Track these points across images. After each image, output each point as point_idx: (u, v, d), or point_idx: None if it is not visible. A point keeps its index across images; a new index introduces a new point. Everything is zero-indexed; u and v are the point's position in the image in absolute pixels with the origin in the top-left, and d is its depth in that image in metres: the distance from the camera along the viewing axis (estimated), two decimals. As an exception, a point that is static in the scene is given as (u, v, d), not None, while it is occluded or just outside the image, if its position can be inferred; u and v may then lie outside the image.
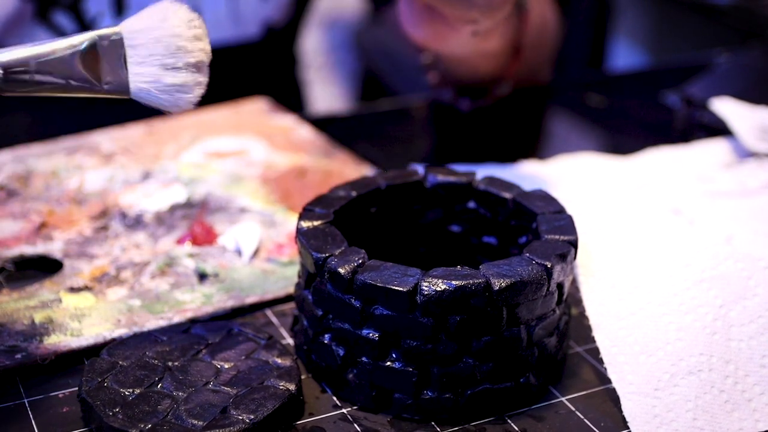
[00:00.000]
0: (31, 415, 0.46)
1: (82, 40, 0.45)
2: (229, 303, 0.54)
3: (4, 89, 0.45)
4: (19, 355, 0.49)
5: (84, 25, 0.84)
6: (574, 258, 0.48)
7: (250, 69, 0.95)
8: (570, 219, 0.50)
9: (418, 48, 0.76)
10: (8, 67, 0.44)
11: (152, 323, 0.52)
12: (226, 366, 0.47)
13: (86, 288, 0.55)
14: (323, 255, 0.46)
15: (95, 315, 0.53)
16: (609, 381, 0.48)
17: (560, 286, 0.47)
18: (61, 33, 0.83)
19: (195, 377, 0.46)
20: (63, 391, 0.48)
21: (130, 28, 0.46)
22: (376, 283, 0.44)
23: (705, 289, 0.51)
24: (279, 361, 0.48)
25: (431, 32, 0.65)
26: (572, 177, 0.69)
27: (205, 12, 0.86)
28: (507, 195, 0.53)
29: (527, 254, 0.46)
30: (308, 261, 0.47)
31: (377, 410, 0.47)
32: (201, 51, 0.46)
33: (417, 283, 0.44)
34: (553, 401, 0.48)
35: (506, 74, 0.79)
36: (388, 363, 0.46)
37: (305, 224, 0.49)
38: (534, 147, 0.81)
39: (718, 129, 0.77)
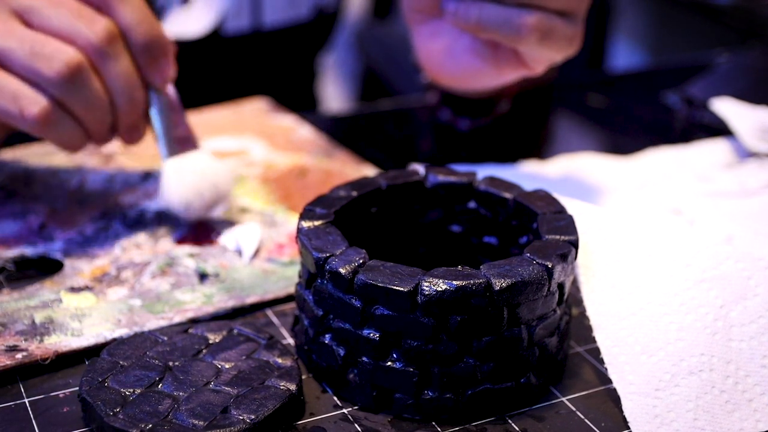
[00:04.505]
0: (31, 415, 0.46)
1: None
2: (230, 303, 0.54)
3: None
4: (19, 355, 0.49)
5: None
6: (575, 258, 0.48)
7: (297, 48, 0.96)
8: (571, 219, 0.50)
9: (418, 68, 0.75)
10: None
11: (153, 323, 0.52)
12: (227, 366, 0.47)
13: (87, 288, 0.55)
14: (324, 255, 0.46)
15: (96, 315, 0.53)
16: (610, 381, 0.48)
17: (561, 286, 0.47)
18: None
19: (196, 377, 0.46)
20: (63, 391, 0.48)
21: None
22: (376, 283, 0.44)
23: (705, 289, 0.51)
24: (279, 361, 0.47)
25: (470, 75, 0.63)
26: (573, 177, 0.69)
27: None
28: (507, 195, 0.53)
29: (528, 254, 0.46)
30: (309, 261, 0.47)
31: (378, 410, 0.47)
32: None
33: (418, 283, 0.44)
34: (553, 401, 0.48)
35: (509, 90, 0.78)
36: (389, 363, 0.46)
37: (306, 224, 0.49)
38: (534, 147, 0.81)
39: (718, 129, 0.77)
